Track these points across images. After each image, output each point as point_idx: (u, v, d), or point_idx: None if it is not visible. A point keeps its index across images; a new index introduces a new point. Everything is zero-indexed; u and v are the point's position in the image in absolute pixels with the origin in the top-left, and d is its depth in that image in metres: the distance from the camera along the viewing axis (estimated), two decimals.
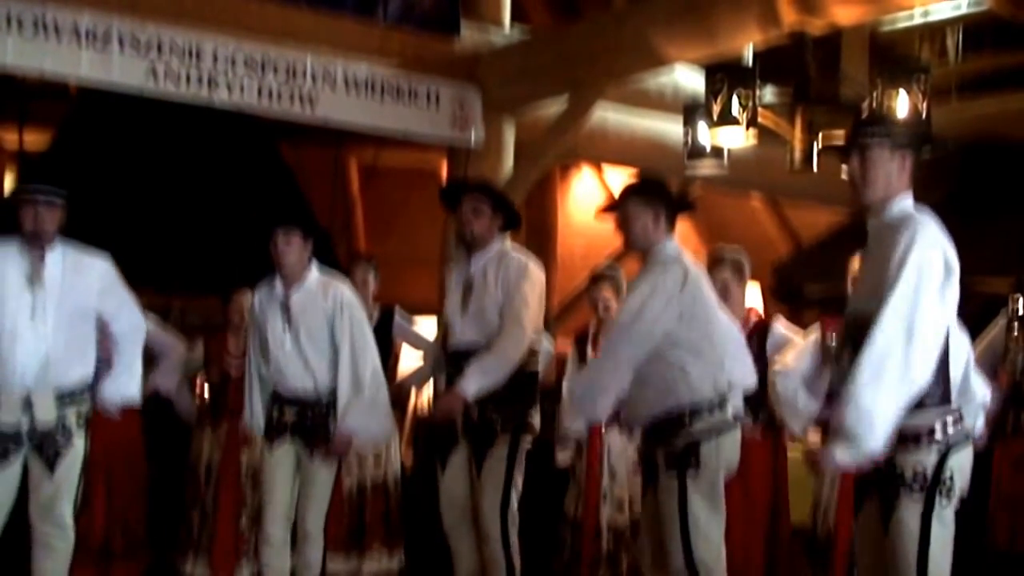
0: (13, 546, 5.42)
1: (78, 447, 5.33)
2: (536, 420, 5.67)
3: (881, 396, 3.83)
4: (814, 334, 5.87)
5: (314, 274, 5.75)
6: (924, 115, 7.33)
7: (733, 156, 7.96)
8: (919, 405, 3.95)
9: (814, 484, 6.48)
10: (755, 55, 8.62)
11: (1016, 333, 6.21)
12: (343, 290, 5.76)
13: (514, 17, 9.86)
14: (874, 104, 7.42)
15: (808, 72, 7.63)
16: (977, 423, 4.35)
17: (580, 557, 6.89)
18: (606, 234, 12.50)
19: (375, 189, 13.31)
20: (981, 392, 5.72)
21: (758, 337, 6.29)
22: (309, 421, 5.70)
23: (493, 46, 9.28)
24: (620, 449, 6.84)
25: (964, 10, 10.88)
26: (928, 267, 3.90)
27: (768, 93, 8.53)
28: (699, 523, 4.76)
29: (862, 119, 4.49)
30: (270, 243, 5.65)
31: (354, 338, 5.66)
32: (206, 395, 7.56)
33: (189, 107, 8.25)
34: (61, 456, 5.27)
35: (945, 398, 4.03)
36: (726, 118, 7.34)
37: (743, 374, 5.03)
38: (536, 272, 5.64)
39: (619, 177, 12.55)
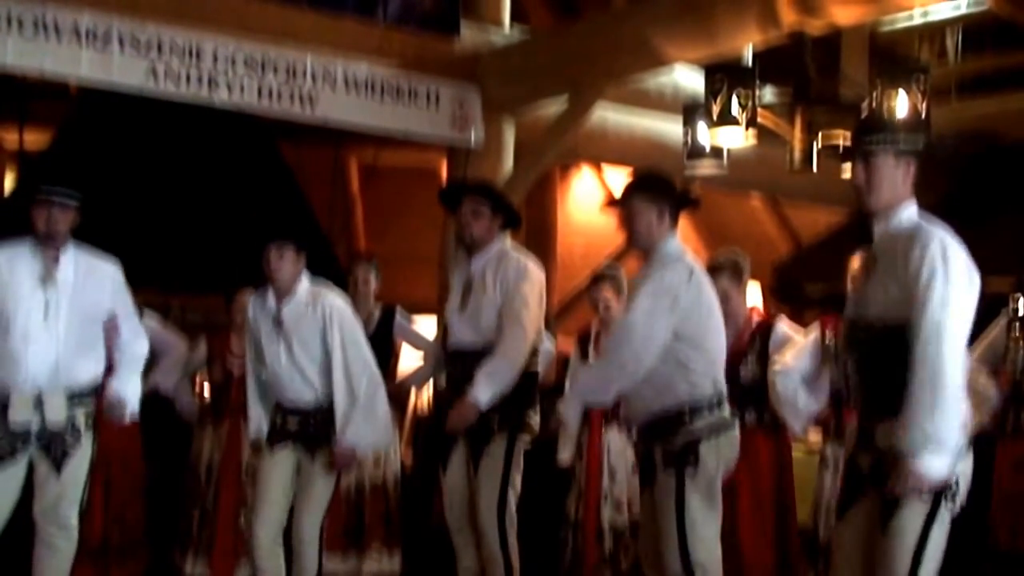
0: (13, 546, 5.43)
1: (86, 447, 5.35)
2: (535, 420, 5.67)
3: (954, 401, 3.88)
4: (813, 333, 5.88)
5: (304, 285, 5.69)
6: (924, 115, 7.33)
7: (733, 156, 7.96)
8: None
9: (815, 485, 6.50)
10: (755, 55, 8.64)
11: (1016, 333, 6.22)
12: (332, 300, 5.70)
13: (514, 17, 9.87)
14: (874, 104, 7.42)
15: (808, 72, 7.63)
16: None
17: (581, 558, 6.89)
18: (606, 233, 12.56)
19: (375, 189, 13.32)
20: (991, 393, 5.78)
21: (761, 337, 6.30)
22: (311, 428, 5.69)
23: (493, 46, 9.29)
24: (620, 449, 6.85)
25: (964, 10, 10.90)
26: (958, 278, 3.95)
27: (768, 93, 8.55)
28: (696, 523, 4.75)
29: (865, 125, 4.47)
30: (263, 257, 5.63)
31: (346, 348, 5.61)
32: (206, 394, 7.57)
33: (189, 107, 8.25)
34: (69, 456, 5.29)
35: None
36: (726, 118, 7.34)
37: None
38: (536, 272, 5.64)
39: (619, 177, 12.56)
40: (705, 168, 8.06)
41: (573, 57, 8.63)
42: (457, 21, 9.11)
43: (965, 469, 4.07)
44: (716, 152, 7.88)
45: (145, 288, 6.11)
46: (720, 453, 4.86)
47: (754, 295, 9.28)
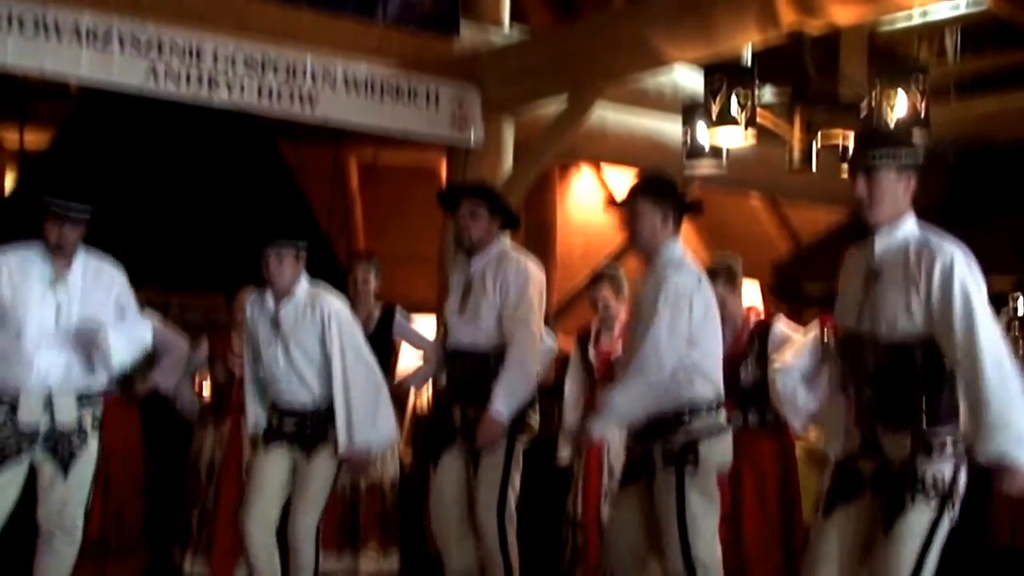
0: (13, 546, 5.44)
1: (92, 448, 5.38)
2: (535, 420, 5.68)
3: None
4: (813, 332, 5.89)
5: (303, 287, 5.69)
6: (923, 115, 7.34)
7: (732, 156, 7.97)
8: (937, 423, 4.05)
9: (816, 484, 6.51)
10: (754, 55, 8.65)
11: (1016, 332, 6.24)
12: (330, 302, 5.70)
13: (513, 17, 9.87)
14: (873, 104, 7.44)
15: (807, 72, 7.64)
16: None
17: (582, 557, 6.90)
18: (605, 233, 12.57)
19: (374, 188, 13.32)
20: None
21: (759, 336, 6.32)
22: (308, 430, 5.71)
23: (492, 46, 9.30)
24: (619, 447, 6.85)
25: (963, 10, 10.88)
26: (977, 288, 4.01)
27: (767, 93, 8.56)
28: (696, 520, 4.77)
29: (868, 138, 4.49)
30: (262, 261, 5.63)
31: (344, 351, 5.61)
32: (206, 393, 7.57)
33: (189, 106, 8.26)
34: (76, 458, 5.31)
35: (956, 412, 4.10)
36: (725, 118, 7.35)
37: None
38: (537, 272, 5.65)
39: (618, 177, 12.56)
40: (704, 168, 8.07)
41: (572, 57, 8.63)
42: (456, 21, 9.12)
43: (966, 479, 4.11)
44: (715, 152, 7.89)
45: (145, 287, 6.12)
46: (716, 454, 4.89)
47: (753, 294, 9.28)
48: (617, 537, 5.01)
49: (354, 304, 6.47)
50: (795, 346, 5.93)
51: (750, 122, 7.35)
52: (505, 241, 5.77)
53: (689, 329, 4.81)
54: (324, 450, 5.69)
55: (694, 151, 7.94)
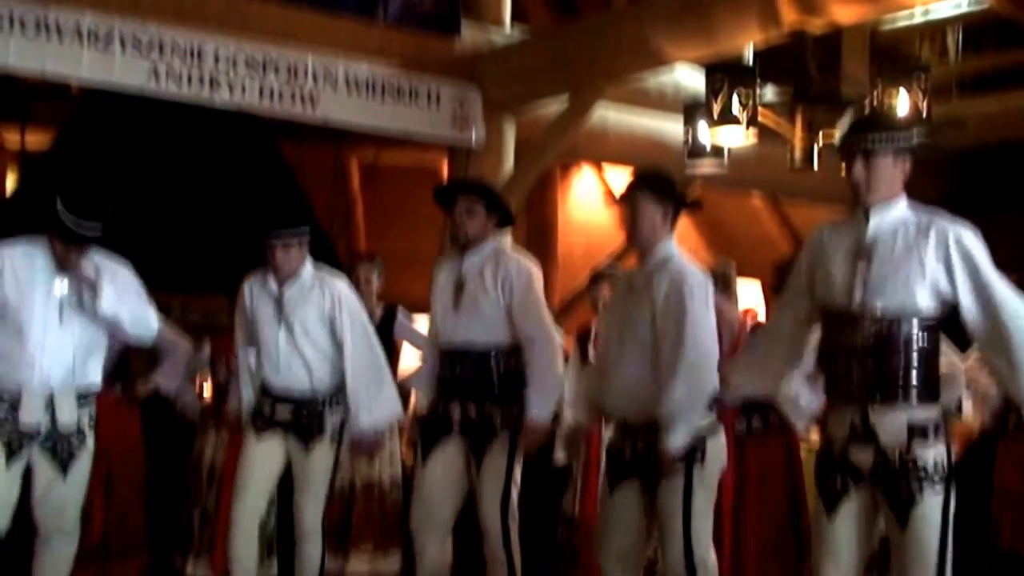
0: (12, 546, 5.43)
1: (89, 448, 5.38)
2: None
3: None
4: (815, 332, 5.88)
5: (308, 269, 5.76)
6: (925, 114, 7.34)
7: (733, 155, 7.96)
8: (928, 399, 4.13)
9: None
10: (755, 54, 8.64)
11: None
12: (340, 286, 5.79)
13: (514, 17, 9.87)
14: (875, 103, 7.43)
15: (808, 71, 7.64)
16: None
17: (580, 556, 6.89)
18: (606, 233, 12.56)
19: (375, 188, 13.31)
20: (993, 392, 5.85)
21: None
22: (304, 419, 5.72)
23: (493, 46, 9.29)
24: None
25: (964, 9, 10.88)
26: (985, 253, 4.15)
27: (768, 92, 8.55)
28: (699, 518, 4.78)
29: (865, 121, 4.50)
30: (267, 250, 5.66)
31: (355, 333, 5.71)
32: (207, 394, 7.56)
33: (190, 107, 8.26)
34: (75, 458, 5.31)
35: (937, 394, 4.19)
36: (726, 117, 7.35)
37: None
38: (536, 271, 5.66)
39: (620, 176, 12.55)
40: (706, 167, 8.07)
41: (573, 57, 8.63)
42: (457, 21, 9.12)
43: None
44: (717, 151, 7.89)
45: (146, 288, 6.11)
46: (720, 451, 4.92)
47: (755, 294, 9.28)
48: (610, 538, 5.00)
49: None
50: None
51: (751, 121, 7.35)
52: (503, 240, 5.77)
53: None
54: (322, 441, 5.73)
55: (695, 151, 7.94)
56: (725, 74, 7.39)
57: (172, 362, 7.02)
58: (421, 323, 7.60)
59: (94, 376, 5.38)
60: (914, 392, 4.12)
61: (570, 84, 8.76)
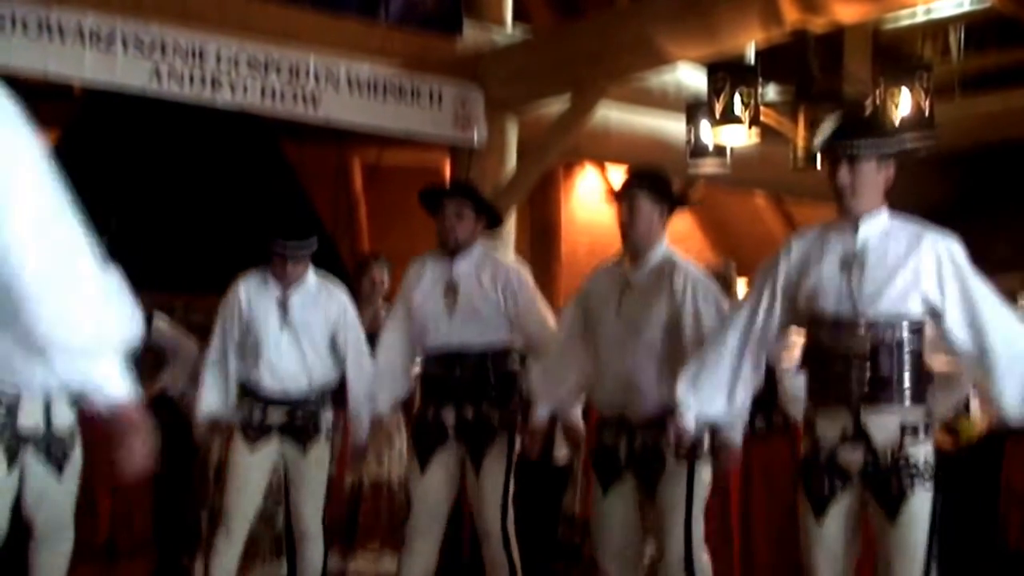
0: (10, 546, 5.43)
1: (79, 447, 5.38)
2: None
3: None
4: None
5: (311, 275, 5.80)
6: (927, 113, 7.34)
7: (736, 154, 7.97)
8: (917, 400, 4.18)
9: None
10: (757, 53, 8.64)
11: None
12: (342, 294, 5.87)
13: (516, 16, 9.87)
14: (877, 102, 7.43)
15: (810, 70, 7.64)
16: None
17: (581, 555, 6.89)
18: (610, 232, 12.51)
19: (378, 188, 13.31)
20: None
21: None
22: (300, 420, 5.73)
23: (495, 45, 9.29)
24: None
25: (967, 7, 10.88)
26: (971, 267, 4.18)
27: (770, 91, 8.54)
28: (697, 515, 4.80)
29: (849, 126, 4.52)
30: (275, 258, 5.68)
31: (359, 343, 5.80)
32: None
33: (193, 107, 8.26)
34: (69, 458, 5.31)
35: (925, 394, 4.23)
36: (728, 116, 7.35)
37: None
38: (529, 274, 5.71)
39: (623, 176, 12.54)
40: (708, 167, 8.07)
41: (575, 56, 8.63)
42: (459, 20, 9.12)
43: None
44: (719, 150, 7.89)
45: (150, 289, 6.10)
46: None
47: None
48: (607, 538, 5.00)
49: (363, 302, 6.47)
50: (802, 344, 5.91)
51: (753, 121, 7.35)
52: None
53: None
54: (319, 441, 5.77)
55: (698, 150, 7.94)
56: (727, 73, 7.39)
57: (178, 363, 7.04)
58: None
59: None
60: (907, 394, 4.17)
61: (572, 83, 8.76)
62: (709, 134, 7.69)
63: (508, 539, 5.47)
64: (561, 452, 6.91)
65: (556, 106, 9.06)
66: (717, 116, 7.43)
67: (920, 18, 11.11)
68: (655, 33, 7.96)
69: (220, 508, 6.95)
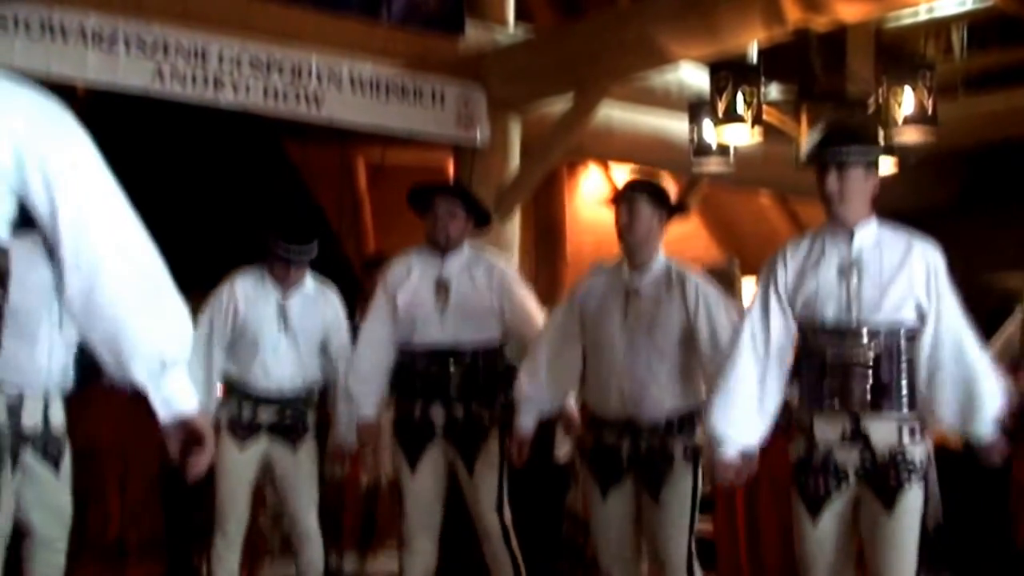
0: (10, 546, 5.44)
1: (67, 444, 5.40)
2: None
3: None
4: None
5: (309, 279, 5.83)
6: (930, 112, 7.34)
7: (740, 153, 7.97)
8: (912, 405, 4.26)
9: None
10: (760, 52, 8.63)
11: None
12: (336, 298, 5.90)
13: (518, 16, 9.86)
14: (879, 101, 7.43)
15: (813, 69, 7.64)
16: None
17: (586, 552, 6.89)
18: (614, 232, 12.51)
19: (382, 187, 13.30)
20: (1009, 390, 5.91)
21: None
22: (289, 419, 5.75)
23: (498, 45, 9.29)
24: None
25: (970, 6, 10.86)
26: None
27: (773, 90, 8.53)
28: (697, 515, 4.86)
29: (836, 133, 4.56)
30: (275, 260, 5.69)
31: (347, 346, 5.81)
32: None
33: (195, 107, 8.26)
34: (63, 456, 5.32)
35: (916, 399, 4.30)
36: (731, 116, 7.36)
37: None
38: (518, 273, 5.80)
39: (626, 175, 12.55)
40: (712, 166, 8.08)
41: (578, 55, 8.63)
42: (461, 20, 9.12)
43: None
44: (722, 150, 7.89)
45: None
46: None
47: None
48: (610, 537, 5.02)
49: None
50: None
51: (756, 120, 7.35)
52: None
53: None
54: (307, 440, 5.81)
55: (701, 149, 7.94)
56: (730, 72, 7.39)
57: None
58: None
59: (71, 377, 5.40)
60: (904, 401, 4.24)
61: (575, 83, 8.76)
62: (712, 133, 7.69)
63: (508, 536, 5.48)
64: (562, 450, 6.90)
65: (559, 105, 9.06)
66: (720, 115, 7.44)
67: (923, 17, 11.09)
68: (657, 32, 7.96)
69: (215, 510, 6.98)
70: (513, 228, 9.37)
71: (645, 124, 9.94)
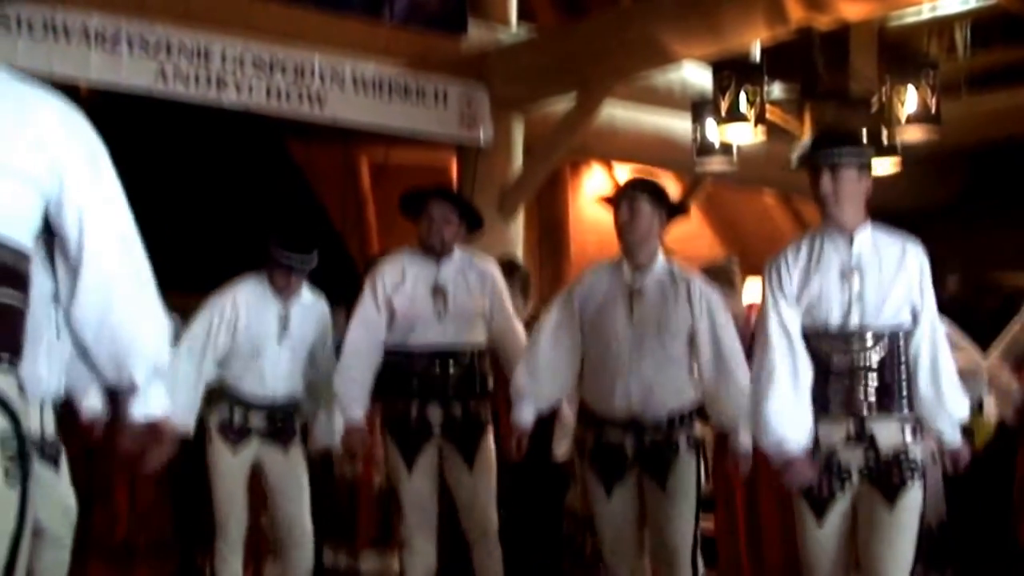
0: None
1: (62, 446, 5.40)
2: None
3: None
4: None
5: (305, 288, 5.82)
6: (933, 111, 7.34)
7: (742, 152, 7.97)
8: (912, 406, 4.29)
9: None
10: (762, 51, 8.63)
11: None
12: (327, 308, 5.91)
13: (521, 15, 9.86)
14: (883, 99, 7.42)
15: (816, 68, 7.66)
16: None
17: (587, 551, 6.88)
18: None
19: (386, 187, 13.30)
20: (1014, 388, 5.94)
21: None
22: (279, 423, 5.77)
23: (500, 44, 9.30)
24: None
25: (973, 5, 10.85)
26: None
27: (776, 89, 8.54)
28: (699, 501, 4.90)
29: (828, 136, 4.59)
30: (278, 267, 5.69)
31: (331, 355, 5.80)
32: None
33: (198, 107, 8.27)
34: (60, 456, 5.33)
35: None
36: (734, 115, 7.36)
37: None
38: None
39: (630, 174, 12.55)
40: (715, 165, 8.08)
41: (581, 55, 8.63)
42: (464, 20, 9.12)
43: None
44: (725, 148, 7.90)
45: (158, 289, 6.11)
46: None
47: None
48: (617, 533, 5.02)
49: None
50: None
51: (759, 119, 7.36)
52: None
53: None
54: (297, 443, 5.83)
55: (704, 148, 7.95)
56: (732, 71, 7.40)
57: None
58: None
59: (60, 382, 5.40)
60: (905, 402, 4.26)
61: (578, 82, 8.76)
62: (715, 132, 7.70)
63: (498, 531, 5.52)
64: (561, 449, 6.88)
65: (562, 105, 9.06)
66: (723, 114, 7.44)
67: (926, 15, 11.07)
68: (660, 32, 7.96)
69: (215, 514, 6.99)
70: (517, 228, 9.37)
71: (648, 123, 9.94)
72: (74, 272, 2.61)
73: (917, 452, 4.22)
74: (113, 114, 10.07)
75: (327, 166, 12.25)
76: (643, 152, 9.90)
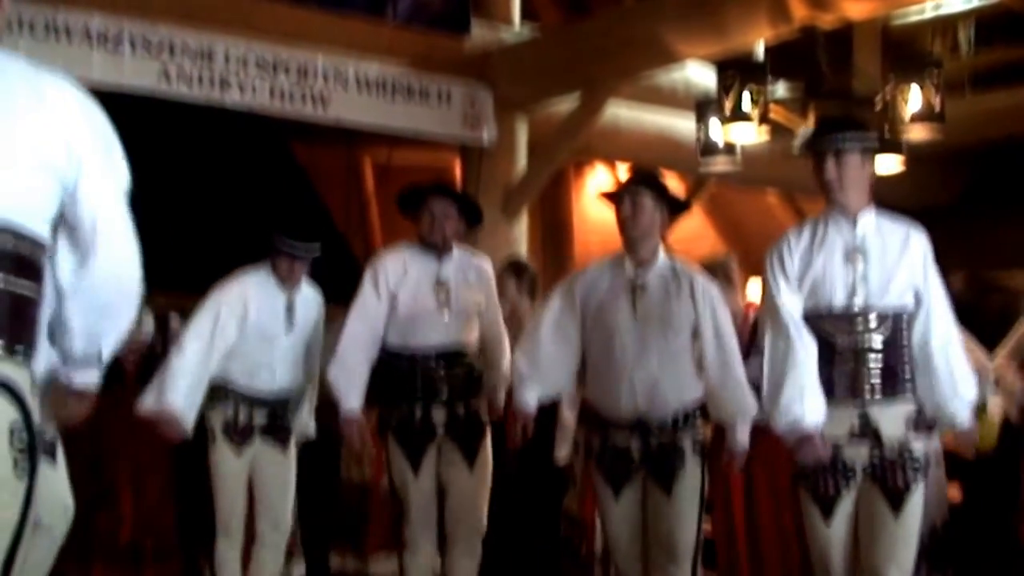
0: None
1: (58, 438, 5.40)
2: None
3: None
4: None
5: (304, 281, 5.84)
6: (937, 109, 7.32)
7: (746, 152, 7.95)
8: (915, 391, 4.30)
9: None
10: (766, 50, 8.63)
11: None
12: (322, 300, 5.93)
13: (524, 15, 9.87)
14: (887, 98, 7.41)
15: (820, 67, 7.64)
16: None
17: (583, 554, 6.88)
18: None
19: (389, 187, 13.28)
20: (1019, 387, 5.91)
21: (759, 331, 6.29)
22: (280, 420, 5.79)
23: (503, 44, 9.29)
24: None
25: (976, 3, 10.84)
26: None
27: (780, 88, 8.53)
28: (703, 506, 4.90)
29: (832, 122, 4.61)
30: (281, 256, 5.69)
31: (322, 347, 5.83)
32: None
33: (201, 108, 8.26)
34: (56, 446, 5.32)
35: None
36: (738, 114, 7.34)
37: None
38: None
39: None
40: (719, 164, 8.07)
41: (584, 55, 8.62)
42: (467, 20, 9.12)
43: None
44: (729, 148, 7.88)
45: (162, 290, 6.10)
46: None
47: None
48: (625, 537, 5.01)
49: None
50: None
51: (763, 118, 7.34)
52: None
53: None
54: (292, 441, 5.86)
55: (708, 148, 7.93)
56: (736, 71, 7.38)
57: None
58: None
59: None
60: (908, 386, 4.27)
61: (581, 82, 8.76)
62: (719, 132, 7.68)
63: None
64: (561, 452, 6.87)
65: (565, 105, 9.05)
66: (727, 114, 7.43)
67: (929, 14, 11.06)
68: (664, 31, 7.95)
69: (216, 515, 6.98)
70: (520, 228, 9.37)
71: (652, 123, 9.94)
72: (83, 254, 2.76)
73: (920, 449, 4.23)
74: (115, 115, 10.09)
75: (330, 167, 12.24)
76: (647, 152, 9.88)
